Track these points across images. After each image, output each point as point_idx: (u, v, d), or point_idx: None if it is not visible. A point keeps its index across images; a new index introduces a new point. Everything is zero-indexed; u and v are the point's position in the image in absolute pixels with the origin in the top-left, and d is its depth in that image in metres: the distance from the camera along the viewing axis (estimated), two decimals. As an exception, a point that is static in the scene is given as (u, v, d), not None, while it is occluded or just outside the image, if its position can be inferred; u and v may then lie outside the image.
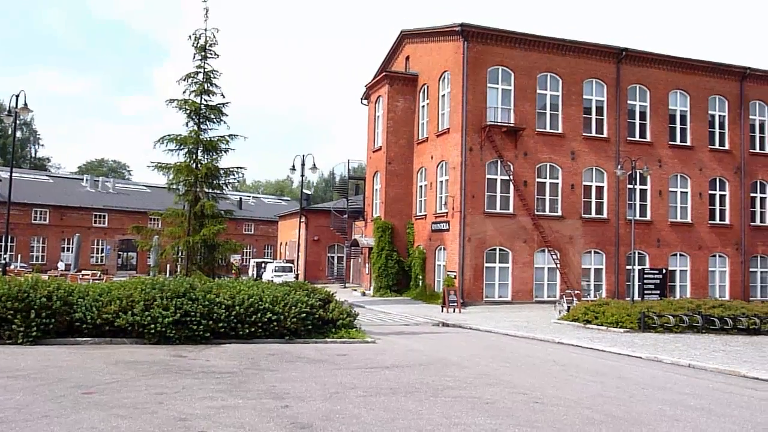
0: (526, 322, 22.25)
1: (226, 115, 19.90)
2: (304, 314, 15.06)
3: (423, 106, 34.82)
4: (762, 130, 35.87)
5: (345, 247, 44.04)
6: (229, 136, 19.89)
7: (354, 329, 16.15)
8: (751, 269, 35.05)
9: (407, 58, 37.21)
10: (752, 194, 35.34)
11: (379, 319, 23.06)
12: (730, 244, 34.53)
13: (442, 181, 31.96)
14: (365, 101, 39.87)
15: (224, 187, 20.45)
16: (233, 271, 45.72)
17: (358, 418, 7.81)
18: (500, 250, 30.08)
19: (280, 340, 14.71)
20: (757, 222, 35.40)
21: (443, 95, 32.35)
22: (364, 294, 35.56)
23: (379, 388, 9.82)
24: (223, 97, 19.93)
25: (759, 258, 35.28)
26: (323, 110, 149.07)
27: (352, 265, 45.32)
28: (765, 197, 35.68)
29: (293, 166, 29.26)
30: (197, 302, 14.00)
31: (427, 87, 34.18)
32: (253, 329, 14.47)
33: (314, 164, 28.34)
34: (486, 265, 29.73)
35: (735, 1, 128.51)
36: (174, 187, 20.08)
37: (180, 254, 19.83)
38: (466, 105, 29.64)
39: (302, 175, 29.48)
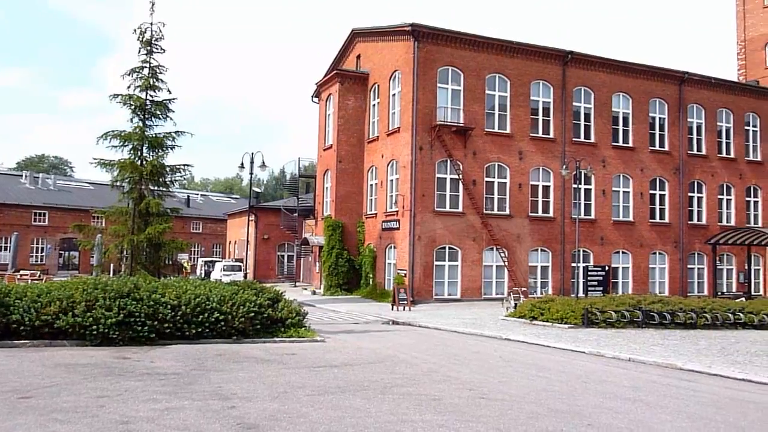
0: (474, 319, 22.55)
1: (173, 111, 19.58)
2: (253, 314, 14.93)
3: (374, 105, 34.89)
4: (699, 133, 37.26)
5: (295, 245, 43.77)
6: (176, 132, 19.56)
7: (303, 328, 16.07)
8: (688, 266, 36.40)
9: (358, 56, 37.22)
10: (690, 194, 36.69)
11: (329, 317, 23.03)
12: (669, 241, 35.78)
13: (392, 180, 32.10)
14: (316, 99, 39.70)
15: (170, 184, 20.11)
16: (184, 271, 44.92)
17: (306, 417, 7.80)
18: (450, 248, 30.41)
19: (227, 340, 14.54)
20: (695, 220, 36.76)
21: (394, 94, 32.49)
22: (314, 293, 35.41)
23: (328, 386, 9.81)
24: (170, 92, 19.59)
25: (696, 255, 36.65)
26: (275, 108, 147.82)
27: (302, 264, 45.09)
28: (702, 197, 37.08)
29: (242, 164, 28.90)
30: (142, 302, 13.71)
31: (378, 86, 34.27)
32: (199, 329, 14.26)
33: (263, 162, 28.02)
34: (436, 263, 30.02)
35: (675, 8, 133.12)
36: (118, 184, 19.65)
37: (124, 253, 19.39)
38: (417, 104, 29.83)
39: (251, 173, 29.14)
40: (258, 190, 62.86)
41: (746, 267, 34.82)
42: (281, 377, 10.48)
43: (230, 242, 57.95)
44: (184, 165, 19.84)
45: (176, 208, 20.94)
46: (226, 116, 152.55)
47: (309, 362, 12.19)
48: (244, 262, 39.47)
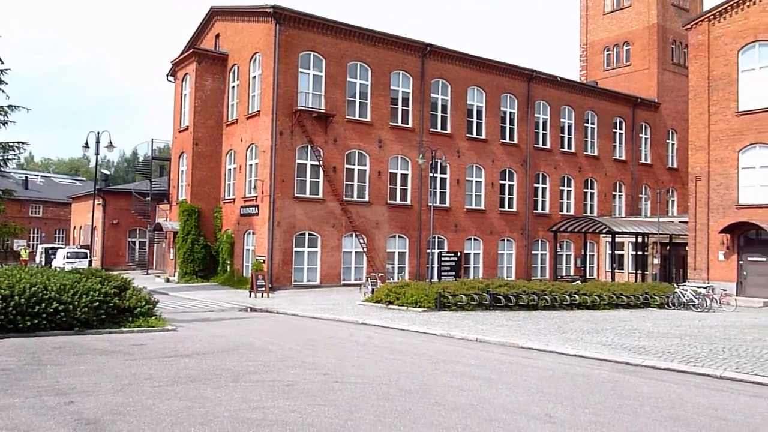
0: (332, 304, 22.76)
1: (5, 83, 17.92)
2: (97, 303, 14.07)
3: (233, 87, 33.93)
4: (545, 128, 39.96)
5: (148, 231, 41.67)
6: (9, 107, 17.96)
7: (154, 317, 15.43)
8: (533, 252, 39.06)
9: (217, 35, 35.97)
10: (535, 185, 39.32)
11: (183, 306, 22.23)
12: (516, 229, 38.16)
13: (251, 165, 31.46)
14: (172, 78, 37.89)
15: (2, 164, 18.39)
16: (20, 259, 41.33)
17: (152, 410, 7.48)
18: (309, 234, 30.39)
19: (69, 331, 13.59)
20: (539, 210, 39.47)
21: (254, 77, 31.78)
22: (168, 280, 33.99)
23: (177, 377, 9.48)
24: (2, 62, 17.85)
25: (540, 241, 39.41)
26: (129, 84, 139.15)
27: (155, 251, 43.05)
28: (546, 188, 39.88)
29: (87, 143, 26.84)
30: (-34, 293, 12.45)
31: (238, 67, 33.34)
32: (36, 321, 13.20)
33: (110, 142, 26.16)
34: (295, 249, 29.90)
35: (531, 10, 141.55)
36: (-61, 162, 17.66)
37: (-54, 239, 17.50)
38: (278, 88, 29.40)
39: (97, 154, 27.09)
40: (107, 172, 58.90)
41: (582, 253, 37.96)
42: (127, 369, 9.98)
43: (75, 228, 54.06)
44: (18, 142, 18.33)
45: (9, 189, 19.32)
46: (74, 92, 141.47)
47: (158, 352, 11.70)
48: (91, 249, 37.04)
